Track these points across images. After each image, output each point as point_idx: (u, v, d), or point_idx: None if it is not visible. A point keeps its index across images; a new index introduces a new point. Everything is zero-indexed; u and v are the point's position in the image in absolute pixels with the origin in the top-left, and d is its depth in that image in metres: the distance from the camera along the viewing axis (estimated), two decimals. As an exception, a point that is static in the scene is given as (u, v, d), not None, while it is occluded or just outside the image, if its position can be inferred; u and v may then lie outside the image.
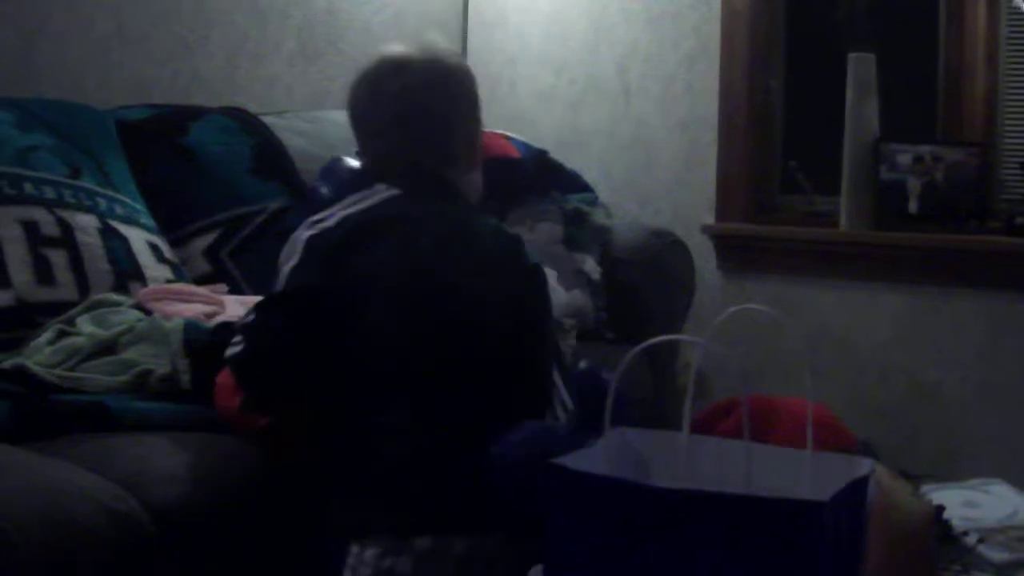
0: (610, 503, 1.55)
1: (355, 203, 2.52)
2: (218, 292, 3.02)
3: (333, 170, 3.21)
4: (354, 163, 3.06)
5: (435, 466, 2.23)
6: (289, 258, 2.48)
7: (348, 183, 2.84)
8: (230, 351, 2.44)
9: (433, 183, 2.57)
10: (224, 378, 2.51)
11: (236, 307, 2.86)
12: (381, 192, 2.53)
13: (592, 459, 1.64)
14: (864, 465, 1.68)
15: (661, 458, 1.66)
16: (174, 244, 3.18)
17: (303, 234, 2.49)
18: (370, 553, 2.20)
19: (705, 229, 4.15)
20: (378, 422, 2.30)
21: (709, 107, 4.15)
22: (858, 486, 1.64)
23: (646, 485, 1.56)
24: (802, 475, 1.67)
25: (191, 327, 2.71)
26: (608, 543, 1.56)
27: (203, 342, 2.67)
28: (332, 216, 2.49)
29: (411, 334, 2.35)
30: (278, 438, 2.45)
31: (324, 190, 3.14)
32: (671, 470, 1.60)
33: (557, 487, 1.60)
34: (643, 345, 1.71)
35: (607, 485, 1.57)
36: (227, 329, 2.69)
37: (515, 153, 3.67)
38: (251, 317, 2.45)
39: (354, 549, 2.24)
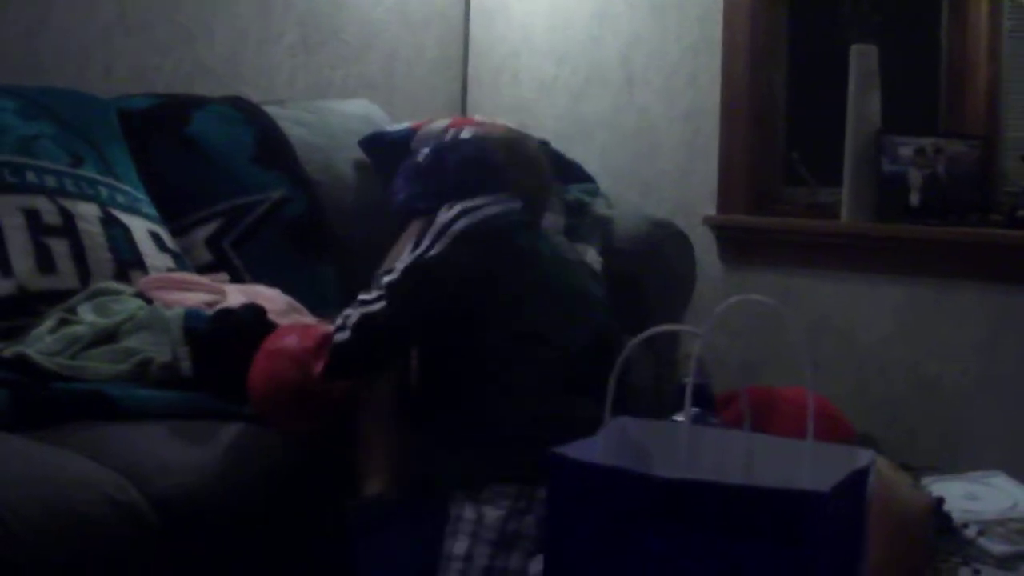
0: (611, 492, 1.56)
1: (494, 203, 2.70)
2: (219, 282, 3.02)
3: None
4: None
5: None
6: (436, 239, 2.63)
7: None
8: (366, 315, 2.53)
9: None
10: (263, 367, 2.53)
11: (237, 296, 2.86)
12: (506, 200, 2.73)
13: (593, 449, 1.64)
14: (865, 456, 1.68)
15: (662, 448, 1.67)
16: (176, 233, 3.18)
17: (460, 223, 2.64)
18: (492, 515, 2.24)
19: (706, 220, 4.14)
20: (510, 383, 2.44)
21: (711, 98, 4.15)
22: (859, 477, 1.64)
23: (647, 474, 1.56)
24: (803, 465, 1.67)
25: (192, 315, 2.72)
26: (608, 531, 1.56)
27: (203, 330, 2.68)
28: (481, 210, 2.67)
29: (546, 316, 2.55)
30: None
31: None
32: (672, 460, 1.61)
33: (558, 475, 1.60)
34: (643, 335, 1.71)
35: (608, 474, 1.57)
36: (227, 316, 2.70)
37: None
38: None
39: (467, 512, 2.28)
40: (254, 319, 2.71)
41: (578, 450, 1.61)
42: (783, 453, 1.72)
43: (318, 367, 2.52)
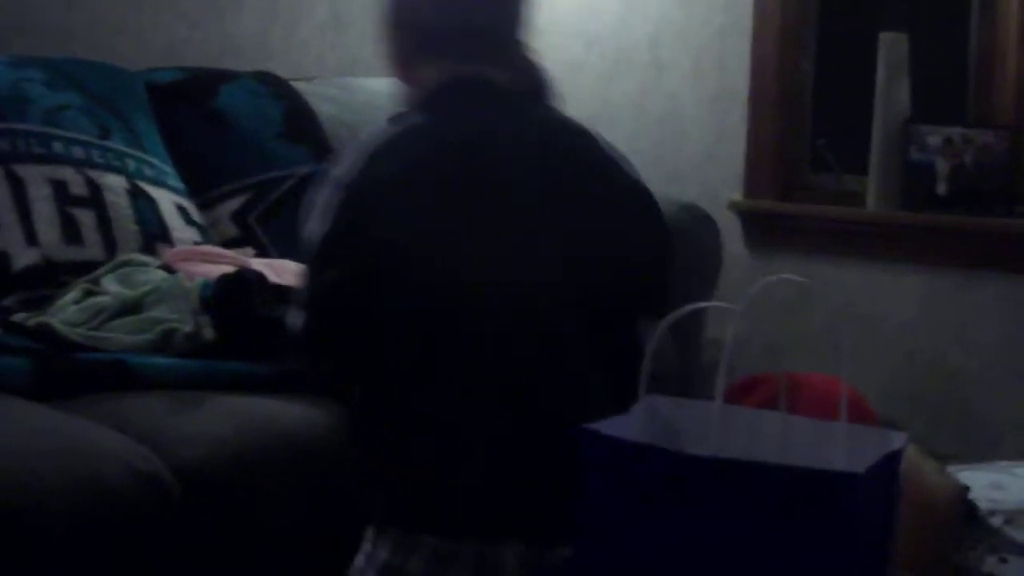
0: (644, 469, 1.55)
1: None
2: (244, 256, 3.02)
3: None
4: None
5: (487, 462, 1.97)
6: None
7: None
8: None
9: None
10: None
11: (263, 270, 2.86)
12: None
13: (625, 425, 1.63)
14: (897, 439, 1.67)
15: (693, 427, 1.66)
16: (202, 207, 3.19)
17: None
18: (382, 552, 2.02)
19: (732, 205, 4.13)
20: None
21: (740, 83, 4.13)
22: (892, 459, 1.64)
23: (680, 451, 1.55)
24: (836, 447, 1.66)
25: (207, 284, 2.72)
26: (640, 508, 1.55)
27: (217, 296, 2.68)
28: None
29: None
30: None
31: None
32: (703, 439, 1.60)
33: (590, 452, 1.59)
34: (680, 311, 1.70)
35: (640, 450, 1.56)
36: (238, 279, 2.70)
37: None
38: None
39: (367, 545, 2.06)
40: (256, 280, 2.71)
41: (610, 426, 1.60)
42: (816, 434, 1.71)
43: None
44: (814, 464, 1.55)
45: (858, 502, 1.53)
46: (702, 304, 1.75)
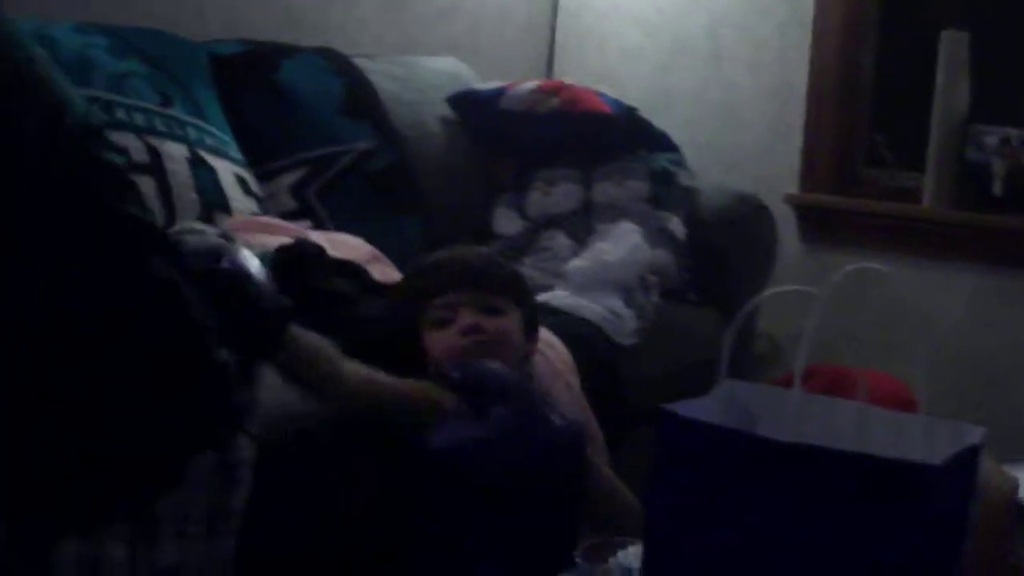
0: (720, 452, 1.54)
1: None
2: (302, 229, 3.02)
3: None
4: None
5: None
6: None
7: None
8: None
9: None
10: None
11: (322, 242, 2.85)
12: None
13: (703, 408, 1.62)
14: (976, 433, 1.65)
15: (771, 413, 1.64)
16: (261, 179, 3.18)
17: None
18: None
19: (788, 199, 4.12)
20: None
21: (799, 76, 4.12)
22: (970, 453, 1.62)
23: (759, 436, 1.54)
24: (913, 439, 1.65)
25: (269, 255, 2.71)
26: (714, 492, 1.54)
27: (275, 266, 2.67)
28: None
29: None
30: None
31: None
32: (781, 425, 1.58)
33: (667, 433, 1.58)
34: (762, 296, 1.69)
35: (719, 434, 1.55)
36: (296, 250, 2.69)
37: (606, 108, 3.66)
38: None
39: None
40: (314, 251, 2.71)
41: (688, 408, 1.59)
42: (893, 425, 1.70)
43: None
44: (892, 454, 1.53)
45: (935, 494, 1.51)
46: (780, 289, 1.74)
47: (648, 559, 1.60)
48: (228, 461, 1.93)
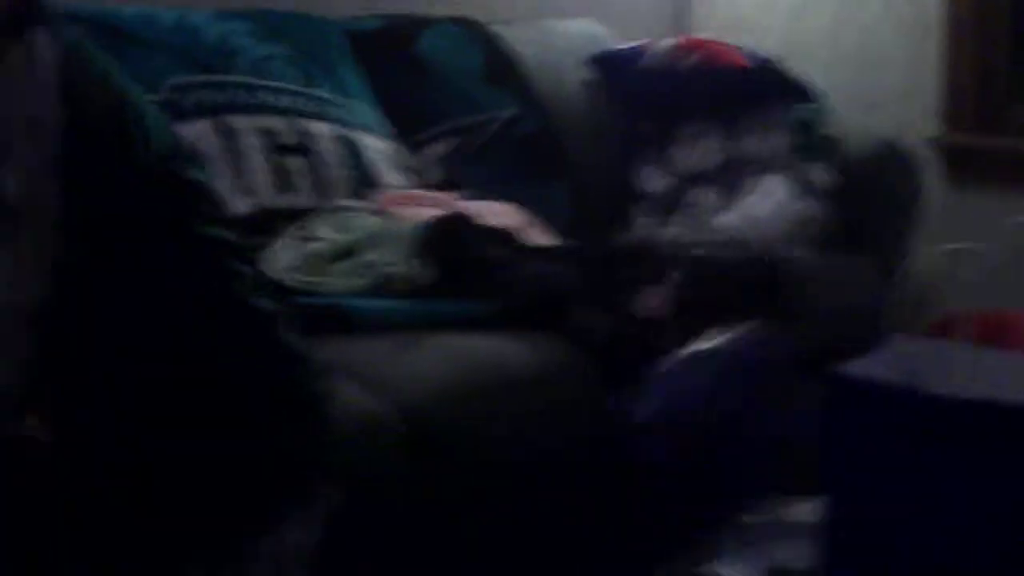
0: (893, 411, 1.54)
1: None
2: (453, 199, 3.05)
3: None
4: None
5: None
6: None
7: None
8: None
9: None
10: None
11: (474, 212, 2.89)
12: None
13: (870, 367, 1.63)
14: None
15: (940, 368, 1.64)
16: (407, 152, 3.21)
17: None
18: None
19: (930, 140, 4.06)
20: None
21: (936, 12, 4.05)
22: None
23: (933, 393, 1.54)
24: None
25: (424, 226, 2.76)
26: (889, 451, 1.55)
27: (432, 237, 2.72)
28: None
29: None
30: None
31: None
32: (950, 381, 1.59)
33: (837, 394, 1.59)
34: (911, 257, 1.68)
35: (891, 392, 1.55)
36: (452, 221, 2.73)
37: (745, 63, 3.64)
38: None
39: None
40: (469, 221, 2.77)
41: (857, 367, 1.60)
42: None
43: None
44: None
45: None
46: (958, 246, 1.73)
47: (830, 515, 1.61)
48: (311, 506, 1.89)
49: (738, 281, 2.56)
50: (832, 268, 3.15)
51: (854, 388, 1.56)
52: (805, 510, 1.75)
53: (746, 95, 3.57)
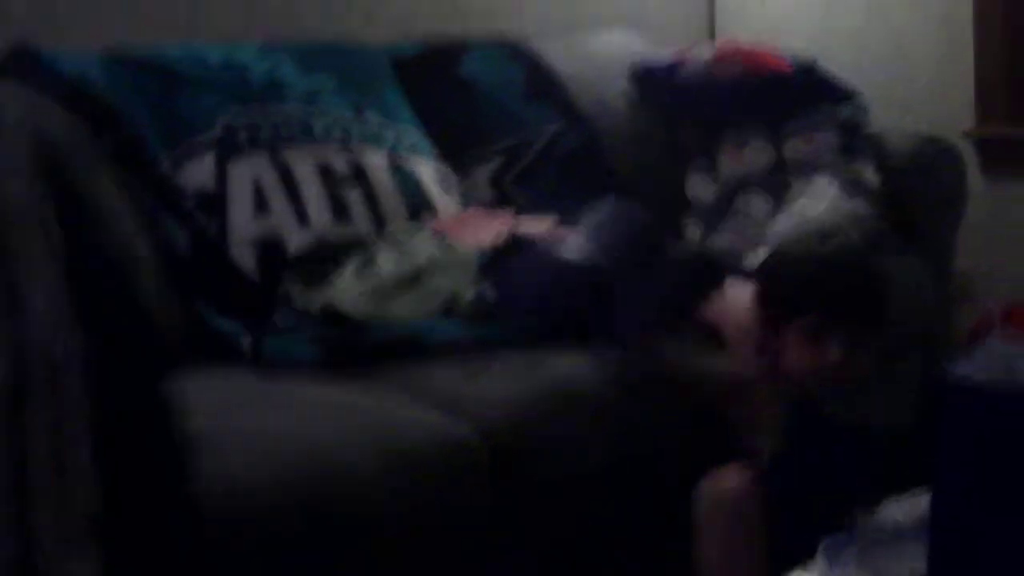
0: (1006, 416, 1.54)
1: None
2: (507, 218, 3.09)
3: None
4: None
5: None
6: None
7: None
8: None
9: None
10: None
11: (534, 226, 2.92)
12: None
13: (974, 372, 1.62)
14: None
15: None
16: (457, 173, 3.26)
17: None
18: None
19: (966, 134, 4.06)
20: None
21: (965, 5, 4.05)
22: None
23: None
24: None
25: (486, 250, 2.82)
26: (1001, 458, 1.54)
27: (494, 261, 2.79)
28: None
29: None
30: None
31: None
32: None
33: (948, 398, 1.58)
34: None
35: (1006, 400, 1.55)
36: (514, 244, 2.77)
37: (787, 68, 3.66)
38: None
39: None
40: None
41: (961, 374, 1.60)
42: None
43: None
44: None
45: None
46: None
47: (936, 520, 1.61)
48: None
49: (833, 278, 2.56)
50: (898, 267, 3.17)
51: (965, 391, 1.56)
52: (908, 513, 1.77)
53: (790, 98, 3.58)
